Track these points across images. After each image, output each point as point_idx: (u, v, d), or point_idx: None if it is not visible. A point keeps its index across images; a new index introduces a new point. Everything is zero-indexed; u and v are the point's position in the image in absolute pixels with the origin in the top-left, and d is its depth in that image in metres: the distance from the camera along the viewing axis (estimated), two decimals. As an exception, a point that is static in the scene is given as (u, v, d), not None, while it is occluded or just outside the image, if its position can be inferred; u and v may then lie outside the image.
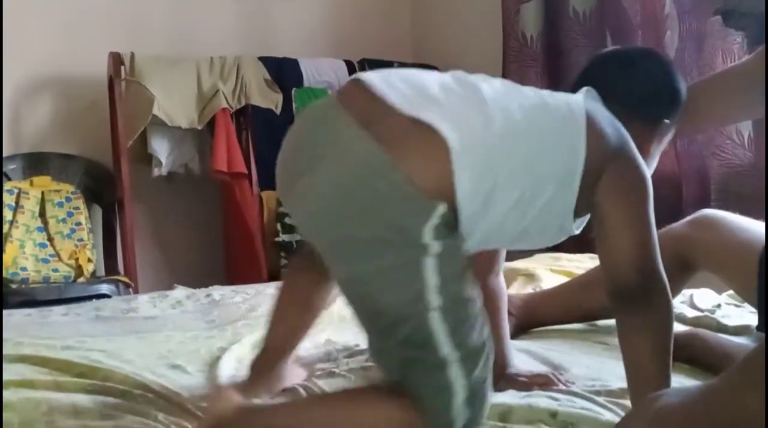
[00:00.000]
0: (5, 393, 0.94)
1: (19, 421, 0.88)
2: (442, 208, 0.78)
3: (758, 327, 1.28)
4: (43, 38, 2.63)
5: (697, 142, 2.09)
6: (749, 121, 1.95)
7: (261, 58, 2.70)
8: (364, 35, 3.06)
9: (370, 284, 0.81)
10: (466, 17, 2.98)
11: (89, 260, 2.45)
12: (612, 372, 1.05)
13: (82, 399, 0.97)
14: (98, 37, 2.67)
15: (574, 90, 0.99)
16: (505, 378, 1.01)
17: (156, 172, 2.60)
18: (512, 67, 2.60)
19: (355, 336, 1.16)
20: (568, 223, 0.88)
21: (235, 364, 1.14)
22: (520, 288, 1.60)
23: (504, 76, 2.62)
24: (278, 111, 2.66)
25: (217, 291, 1.70)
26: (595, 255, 1.78)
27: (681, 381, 1.00)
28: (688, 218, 1.36)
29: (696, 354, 1.12)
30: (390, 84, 0.85)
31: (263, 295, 1.57)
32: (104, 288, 2.31)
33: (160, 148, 2.58)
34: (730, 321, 1.41)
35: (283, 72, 2.71)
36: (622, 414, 0.88)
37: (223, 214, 2.77)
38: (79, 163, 2.63)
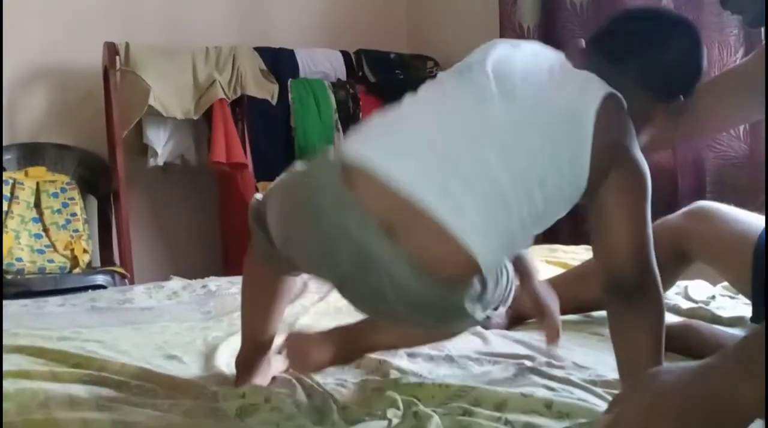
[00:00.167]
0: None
1: (16, 411, 0.88)
2: (475, 284, 0.86)
3: (752, 319, 1.28)
4: (38, 28, 2.62)
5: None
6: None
7: (257, 49, 2.69)
8: (360, 26, 3.05)
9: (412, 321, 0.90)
10: (462, 7, 2.97)
11: (85, 251, 2.45)
12: (607, 362, 1.05)
13: (79, 390, 0.97)
14: (93, 26, 2.66)
15: (592, 46, 0.96)
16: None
17: (151, 162, 2.60)
18: (509, 58, 2.59)
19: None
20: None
21: (231, 355, 1.14)
22: (515, 280, 1.60)
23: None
24: (274, 101, 2.65)
25: (213, 282, 1.70)
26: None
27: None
28: (683, 210, 1.36)
29: (690, 345, 1.12)
30: (404, 152, 0.84)
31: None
32: (100, 279, 2.31)
33: (156, 138, 2.57)
34: (725, 313, 1.42)
35: (279, 62, 2.71)
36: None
37: (220, 205, 2.77)
38: (74, 154, 2.62)
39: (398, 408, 0.89)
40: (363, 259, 0.80)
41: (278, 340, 1.07)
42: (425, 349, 1.11)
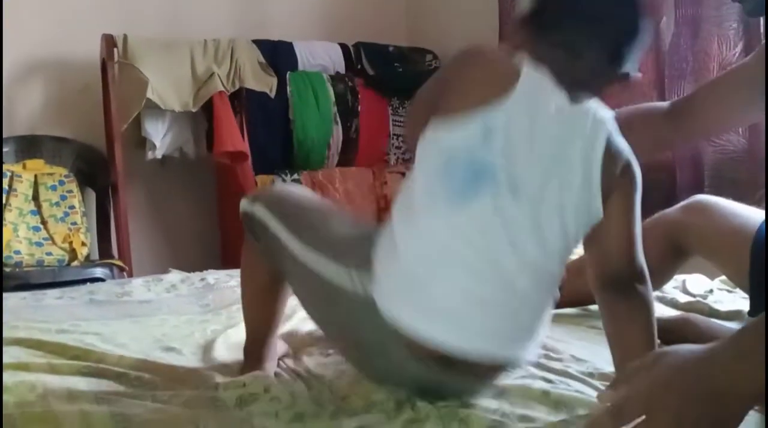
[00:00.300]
0: (0, 376, 0.95)
1: (14, 403, 0.88)
2: None
3: (750, 313, 1.29)
4: (36, 20, 2.61)
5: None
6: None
7: (255, 41, 2.69)
8: (359, 18, 3.04)
9: None
10: (461, 0, 2.96)
11: (83, 244, 2.45)
12: (604, 356, 1.05)
13: (77, 382, 0.97)
14: (91, 19, 2.65)
15: (534, 23, 0.93)
16: None
17: (150, 155, 2.59)
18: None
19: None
20: None
21: (230, 347, 1.15)
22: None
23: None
24: (273, 94, 2.65)
25: (212, 275, 1.71)
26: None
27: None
28: (682, 204, 1.36)
29: (687, 338, 1.13)
30: (442, 315, 0.85)
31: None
32: (98, 271, 2.31)
33: (154, 131, 2.57)
34: (722, 307, 1.42)
35: (278, 55, 2.70)
36: None
37: (218, 198, 2.77)
38: (72, 147, 2.62)
39: (397, 400, 0.89)
40: (395, 367, 0.87)
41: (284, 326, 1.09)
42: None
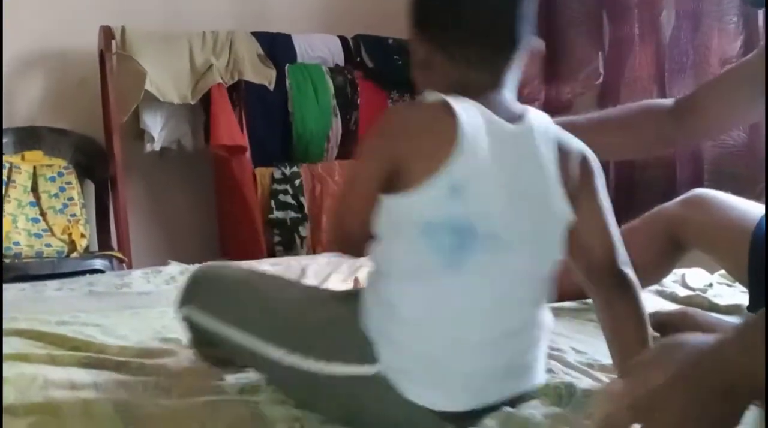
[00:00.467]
0: (0, 367, 0.95)
1: (15, 395, 0.89)
2: None
3: (749, 307, 1.29)
4: (35, 12, 2.60)
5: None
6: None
7: (254, 33, 2.68)
8: (358, 11, 3.03)
9: None
10: (461, -6, 2.95)
11: (82, 235, 2.44)
12: (604, 348, 1.06)
13: (77, 373, 0.98)
14: (89, 10, 2.64)
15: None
16: None
17: (148, 147, 2.59)
18: (508, 44, 2.59)
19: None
20: None
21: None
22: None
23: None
24: (272, 87, 2.64)
25: (211, 267, 1.70)
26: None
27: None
28: (680, 197, 1.37)
29: (687, 332, 1.13)
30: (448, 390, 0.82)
31: (257, 272, 1.57)
32: (98, 263, 2.31)
33: (153, 123, 2.56)
34: (722, 301, 1.43)
35: (277, 47, 2.69)
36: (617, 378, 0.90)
37: (217, 190, 2.77)
38: (71, 138, 2.61)
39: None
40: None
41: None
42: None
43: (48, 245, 2.39)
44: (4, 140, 2.50)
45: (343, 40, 2.81)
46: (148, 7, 2.75)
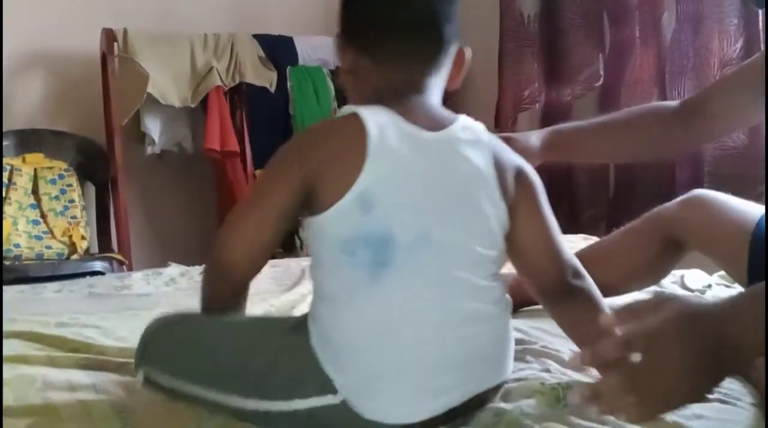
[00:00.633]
0: (-1, 369, 0.95)
1: (14, 397, 0.89)
2: None
3: (748, 308, 1.29)
4: (36, 13, 2.60)
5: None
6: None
7: (255, 36, 2.68)
8: (359, 13, 3.03)
9: None
10: (462, -4, 2.95)
11: (83, 237, 2.45)
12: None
13: (77, 374, 0.97)
14: (91, 12, 2.64)
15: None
16: None
17: (149, 150, 2.59)
18: (508, 46, 2.59)
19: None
20: None
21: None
22: (512, 268, 1.60)
23: (500, 55, 2.61)
24: (273, 89, 2.64)
25: (211, 269, 1.70)
26: (589, 236, 1.79)
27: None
28: (680, 198, 1.36)
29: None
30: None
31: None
32: (98, 265, 2.31)
33: (153, 126, 2.57)
34: (721, 302, 1.42)
35: (278, 50, 2.70)
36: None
37: (217, 193, 2.77)
38: (71, 140, 2.61)
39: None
40: None
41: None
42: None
43: (48, 247, 2.39)
44: (5, 142, 2.51)
45: (343, 42, 2.81)
46: (149, 9, 2.76)
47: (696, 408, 0.82)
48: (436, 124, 0.84)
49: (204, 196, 2.83)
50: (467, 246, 0.81)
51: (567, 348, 1.04)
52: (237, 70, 2.59)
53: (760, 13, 1.89)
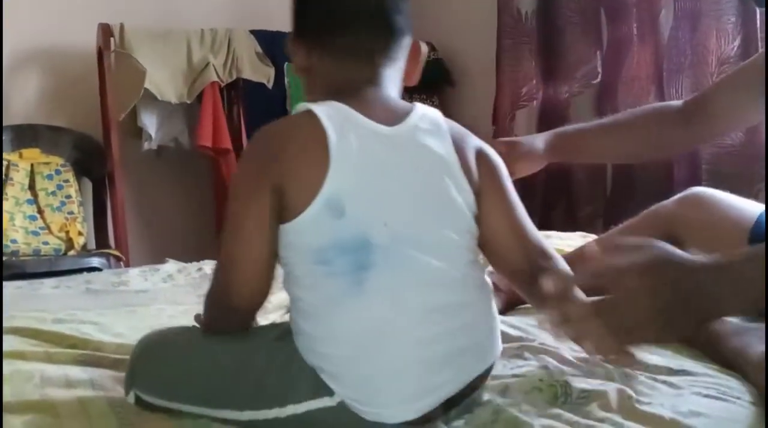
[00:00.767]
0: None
1: (11, 393, 0.88)
2: None
3: (745, 306, 1.29)
4: (33, 9, 2.60)
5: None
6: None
7: (252, 31, 2.68)
8: (357, 9, 3.03)
9: None
10: (460, -8, 2.96)
11: (80, 233, 2.44)
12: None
13: (74, 370, 0.97)
14: (88, 7, 2.64)
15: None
16: None
17: (146, 145, 2.59)
18: (506, 43, 2.59)
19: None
20: None
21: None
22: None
23: (498, 52, 2.61)
24: (270, 85, 2.64)
25: (208, 265, 1.70)
26: (586, 233, 1.79)
27: (669, 357, 1.01)
28: (678, 196, 1.36)
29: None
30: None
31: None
32: (95, 261, 2.31)
33: (150, 121, 2.56)
34: (718, 300, 1.43)
35: (275, 45, 2.69)
36: (613, 374, 0.90)
37: (214, 188, 2.77)
38: (68, 136, 2.61)
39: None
40: None
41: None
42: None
43: (45, 243, 2.39)
44: (2, 138, 2.50)
45: (341, 38, 2.81)
46: (146, 4, 2.75)
47: (694, 405, 0.82)
48: (393, 116, 0.83)
49: (201, 191, 2.83)
50: (442, 237, 0.80)
51: (566, 345, 1.04)
52: (234, 66, 2.59)
53: (758, 11, 1.89)
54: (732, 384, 0.90)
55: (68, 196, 2.47)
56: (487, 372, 0.85)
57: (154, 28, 2.56)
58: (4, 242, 2.32)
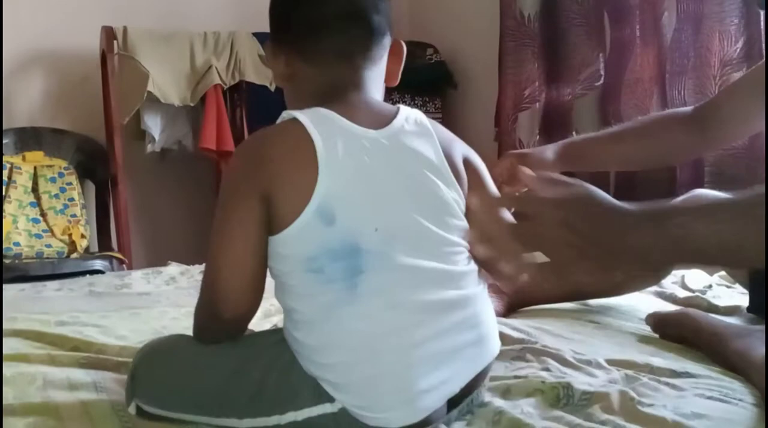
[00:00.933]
0: None
1: (14, 395, 0.89)
2: None
3: (749, 308, 1.29)
4: (36, 12, 2.60)
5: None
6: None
7: (255, 34, 2.68)
8: (359, 12, 3.03)
9: None
10: (462, -5, 2.96)
11: (82, 236, 2.45)
12: (602, 348, 1.06)
13: (77, 373, 0.97)
14: (91, 10, 2.64)
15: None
16: None
17: (149, 148, 2.59)
18: (509, 46, 2.59)
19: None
20: None
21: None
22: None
23: (501, 54, 2.61)
24: (273, 88, 2.64)
25: (211, 268, 1.70)
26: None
27: (672, 359, 1.01)
28: (680, 198, 1.36)
29: (685, 334, 1.13)
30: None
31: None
32: (98, 264, 2.31)
33: (153, 124, 2.57)
34: (721, 302, 1.42)
35: (278, 48, 2.69)
36: (615, 376, 0.90)
37: (217, 191, 2.77)
38: (71, 139, 2.62)
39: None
40: None
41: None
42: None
43: (48, 246, 2.39)
44: (5, 140, 2.51)
45: (344, 41, 2.81)
46: (149, 7, 2.76)
47: (697, 407, 0.82)
48: (379, 120, 0.83)
49: (204, 194, 2.83)
50: (435, 236, 0.80)
51: (568, 347, 1.04)
52: (237, 69, 2.59)
53: (762, 13, 1.89)
54: (734, 386, 0.90)
55: (71, 199, 2.48)
56: (486, 369, 0.85)
57: (157, 30, 2.57)
58: (7, 245, 2.33)
